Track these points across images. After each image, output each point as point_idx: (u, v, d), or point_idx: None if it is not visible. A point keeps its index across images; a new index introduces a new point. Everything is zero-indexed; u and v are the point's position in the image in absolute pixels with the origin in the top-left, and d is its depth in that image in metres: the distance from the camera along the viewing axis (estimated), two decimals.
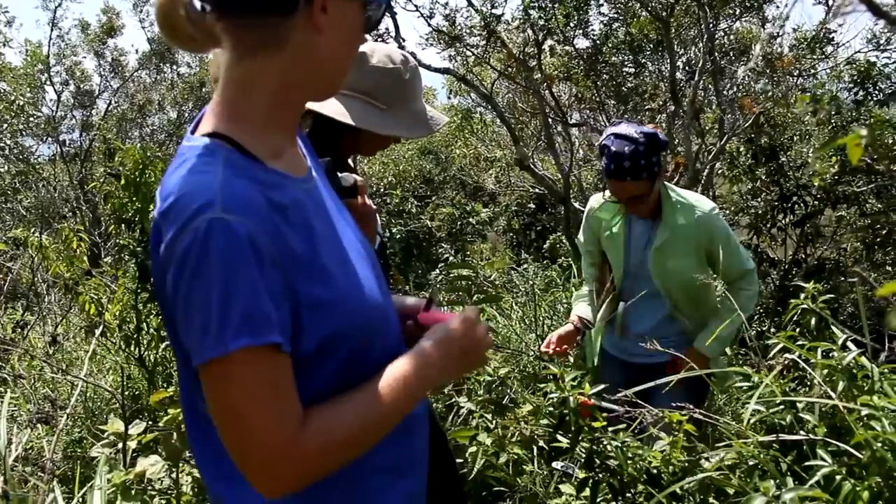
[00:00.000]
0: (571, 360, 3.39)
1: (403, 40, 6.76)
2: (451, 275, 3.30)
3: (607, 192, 3.22)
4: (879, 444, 1.89)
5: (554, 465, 2.61)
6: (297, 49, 1.21)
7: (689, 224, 3.11)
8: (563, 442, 2.55)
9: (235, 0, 1.19)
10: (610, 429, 2.43)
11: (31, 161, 16.70)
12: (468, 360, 1.40)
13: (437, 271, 3.89)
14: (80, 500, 3.17)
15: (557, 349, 3.31)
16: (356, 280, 1.29)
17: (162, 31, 1.24)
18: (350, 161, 2.38)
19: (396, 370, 1.28)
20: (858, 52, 8.12)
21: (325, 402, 1.21)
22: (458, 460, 2.59)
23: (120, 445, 3.30)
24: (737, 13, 7.77)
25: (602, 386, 2.53)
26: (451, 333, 1.36)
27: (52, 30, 17.13)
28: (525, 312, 6.02)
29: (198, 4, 1.22)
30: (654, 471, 2.32)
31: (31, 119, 16.64)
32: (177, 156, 1.23)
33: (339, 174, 1.78)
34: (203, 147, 1.20)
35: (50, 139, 17.35)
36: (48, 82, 17.53)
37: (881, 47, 7.20)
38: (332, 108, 2.07)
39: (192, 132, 1.26)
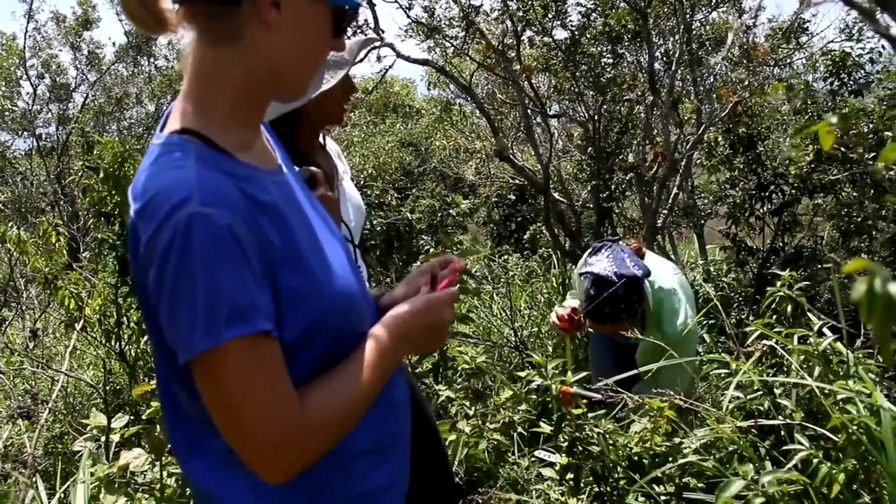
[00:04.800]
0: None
1: (382, 31, 6.73)
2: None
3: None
4: (855, 427, 1.92)
5: (537, 453, 2.63)
6: (252, 45, 1.21)
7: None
8: (545, 428, 2.57)
9: None
10: (590, 415, 2.45)
11: (6, 155, 16.53)
12: (432, 337, 1.42)
13: (419, 263, 3.90)
14: (63, 494, 3.16)
15: (566, 325, 3.30)
16: (331, 269, 1.30)
17: (124, 13, 1.25)
18: (330, 144, 2.36)
19: (375, 344, 1.31)
20: (832, 42, 8.18)
21: (314, 381, 1.23)
22: None
23: (102, 439, 3.30)
24: (713, 3, 7.80)
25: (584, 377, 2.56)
26: (421, 311, 1.37)
27: (27, 22, 16.90)
28: (504, 303, 6.04)
29: None
30: (636, 457, 2.35)
31: (7, 113, 16.48)
32: (147, 153, 1.23)
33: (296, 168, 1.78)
34: (173, 144, 1.20)
35: (26, 133, 17.16)
36: (23, 76, 17.31)
37: (854, 37, 7.23)
38: None
39: (161, 129, 1.27)
